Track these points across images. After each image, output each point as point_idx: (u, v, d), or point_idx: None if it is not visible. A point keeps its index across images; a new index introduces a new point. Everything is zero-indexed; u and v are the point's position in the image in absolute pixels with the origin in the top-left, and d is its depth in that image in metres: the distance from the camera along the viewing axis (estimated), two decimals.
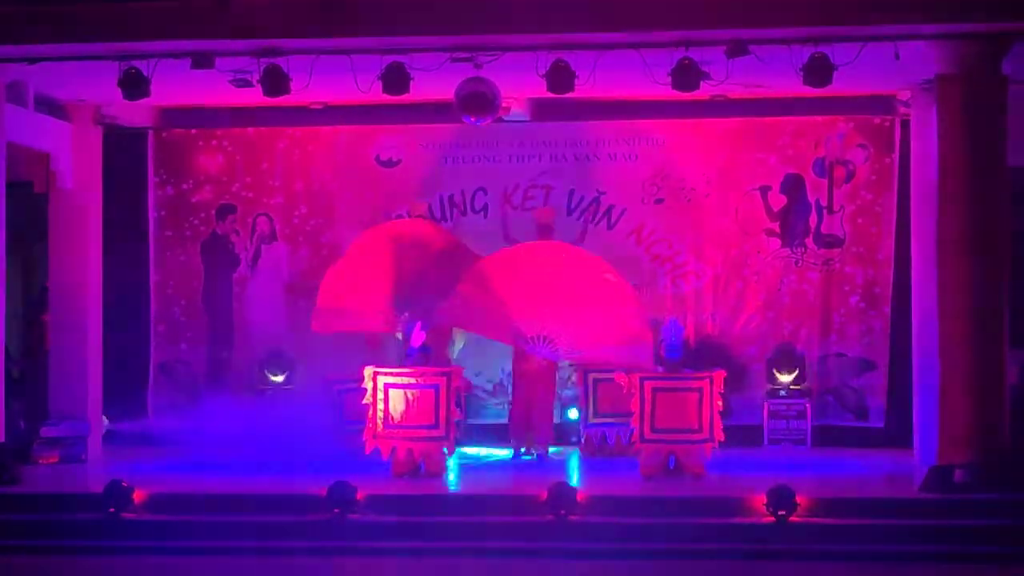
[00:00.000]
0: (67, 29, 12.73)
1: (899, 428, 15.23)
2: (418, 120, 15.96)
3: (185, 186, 16.62)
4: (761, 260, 16.12)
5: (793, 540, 11.64)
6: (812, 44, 12.53)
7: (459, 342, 15.33)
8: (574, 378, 15.24)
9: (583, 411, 14.96)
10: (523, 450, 15.03)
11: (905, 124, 15.20)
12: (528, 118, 16.01)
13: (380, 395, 13.56)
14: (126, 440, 15.87)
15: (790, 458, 14.93)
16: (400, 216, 16.16)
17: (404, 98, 13.20)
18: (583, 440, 15.14)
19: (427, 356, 13.84)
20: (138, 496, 12.32)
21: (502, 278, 14.31)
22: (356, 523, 12.04)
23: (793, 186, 16.08)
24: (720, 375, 13.50)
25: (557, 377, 15.34)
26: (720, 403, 13.47)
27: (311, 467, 13.47)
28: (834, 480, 13.42)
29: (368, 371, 13.62)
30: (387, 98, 13.20)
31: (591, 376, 14.90)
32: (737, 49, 12.56)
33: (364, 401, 13.62)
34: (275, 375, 15.95)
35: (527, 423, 15.02)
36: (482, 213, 16.39)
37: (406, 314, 14.49)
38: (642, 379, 13.48)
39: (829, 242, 16.03)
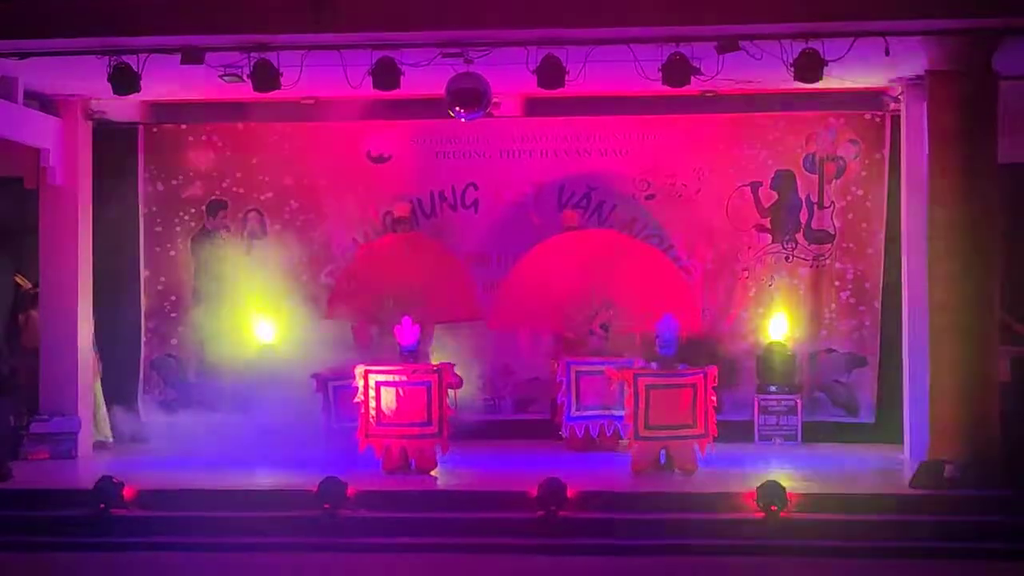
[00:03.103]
0: (56, 24, 12.69)
1: (889, 424, 15.25)
2: (409, 115, 15.97)
3: (175, 181, 16.59)
4: (752, 256, 16.14)
5: (783, 535, 11.65)
6: (803, 40, 12.53)
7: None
8: (557, 371, 15.24)
9: (566, 404, 14.94)
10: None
11: (896, 120, 15.20)
12: (519, 114, 16.01)
13: (372, 393, 13.53)
14: (116, 436, 15.88)
15: (780, 454, 14.94)
16: (387, 213, 16.23)
17: (395, 93, 13.19)
18: (567, 433, 15.09)
19: (419, 353, 13.81)
20: (128, 492, 12.30)
21: (542, 273, 15.14)
22: (347, 519, 12.04)
23: (784, 182, 16.10)
24: (714, 371, 13.52)
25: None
26: (714, 399, 13.48)
27: (302, 463, 13.46)
28: (824, 476, 13.41)
29: (359, 369, 13.59)
30: (378, 93, 13.19)
31: (573, 368, 14.90)
32: (728, 45, 12.55)
33: (356, 399, 13.60)
34: (266, 371, 15.90)
35: None
36: (473, 208, 16.39)
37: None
38: (636, 376, 13.47)
39: (820, 238, 16.05)
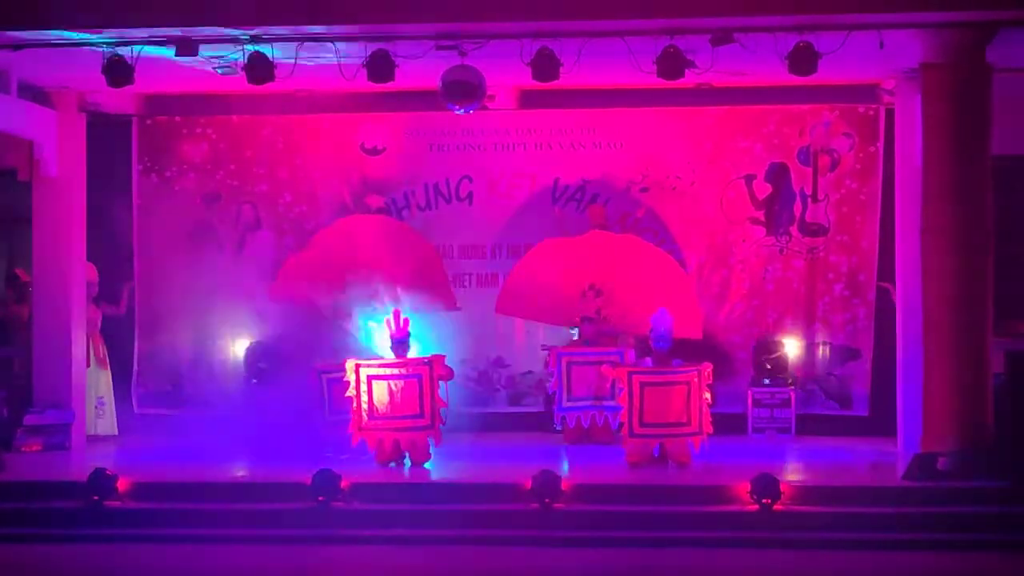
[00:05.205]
0: (51, 15, 12.66)
1: (883, 416, 15.26)
2: (403, 108, 15.96)
3: (169, 173, 16.59)
4: (746, 248, 16.15)
5: (777, 528, 11.66)
6: (797, 32, 12.52)
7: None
8: (547, 360, 15.24)
9: (557, 395, 14.94)
10: None
11: (890, 113, 15.20)
12: (513, 106, 16.00)
13: (364, 387, 13.52)
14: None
15: (774, 446, 14.97)
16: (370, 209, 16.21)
17: (389, 86, 13.17)
18: (559, 424, 15.09)
19: (409, 345, 13.79)
20: (122, 484, 12.30)
21: (550, 268, 15.27)
22: (340, 511, 12.04)
23: (778, 174, 16.10)
24: (708, 368, 13.50)
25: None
26: (709, 396, 13.47)
27: (296, 455, 13.46)
28: (818, 468, 13.45)
29: (350, 363, 13.59)
30: (372, 86, 13.16)
31: (564, 359, 14.90)
32: (722, 37, 12.55)
33: (348, 394, 13.59)
34: (260, 363, 15.90)
35: None
36: (467, 201, 16.38)
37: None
38: (630, 373, 13.46)
39: (814, 230, 16.05)
